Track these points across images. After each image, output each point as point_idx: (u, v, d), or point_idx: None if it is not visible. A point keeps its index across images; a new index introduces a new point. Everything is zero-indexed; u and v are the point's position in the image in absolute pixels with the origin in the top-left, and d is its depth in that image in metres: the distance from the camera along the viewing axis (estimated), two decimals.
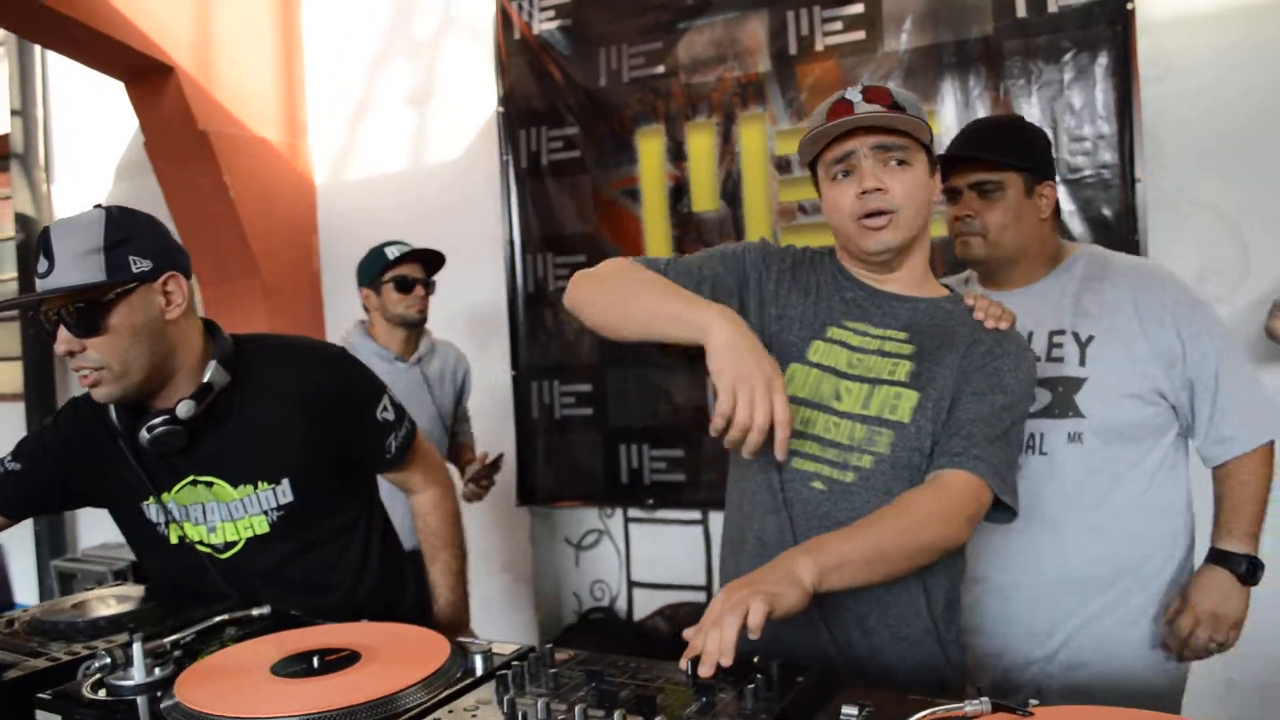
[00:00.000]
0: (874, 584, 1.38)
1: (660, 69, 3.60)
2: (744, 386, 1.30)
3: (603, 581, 4.00)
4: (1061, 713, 1.05)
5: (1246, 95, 2.87)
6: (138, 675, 1.25)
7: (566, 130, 3.79)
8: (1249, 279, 2.91)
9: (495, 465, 3.17)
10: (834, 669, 1.46)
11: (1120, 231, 2.98)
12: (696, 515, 3.74)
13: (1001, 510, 1.48)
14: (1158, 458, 1.80)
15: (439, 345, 3.19)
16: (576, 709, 1.06)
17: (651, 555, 3.89)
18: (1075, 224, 3.03)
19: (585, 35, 3.72)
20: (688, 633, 1.22)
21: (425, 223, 4.06)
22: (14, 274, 5.49)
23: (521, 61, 3.85)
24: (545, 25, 3.79)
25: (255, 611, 1.51)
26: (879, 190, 1.48)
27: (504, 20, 3.87)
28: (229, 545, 1.69)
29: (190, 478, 1.66)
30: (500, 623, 4.02)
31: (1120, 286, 1.81)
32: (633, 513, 3.88)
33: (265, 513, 1.68)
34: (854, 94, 1.50)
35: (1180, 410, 1.81)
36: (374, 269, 2.98)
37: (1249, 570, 1.79)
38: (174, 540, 1.69)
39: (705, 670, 1.15)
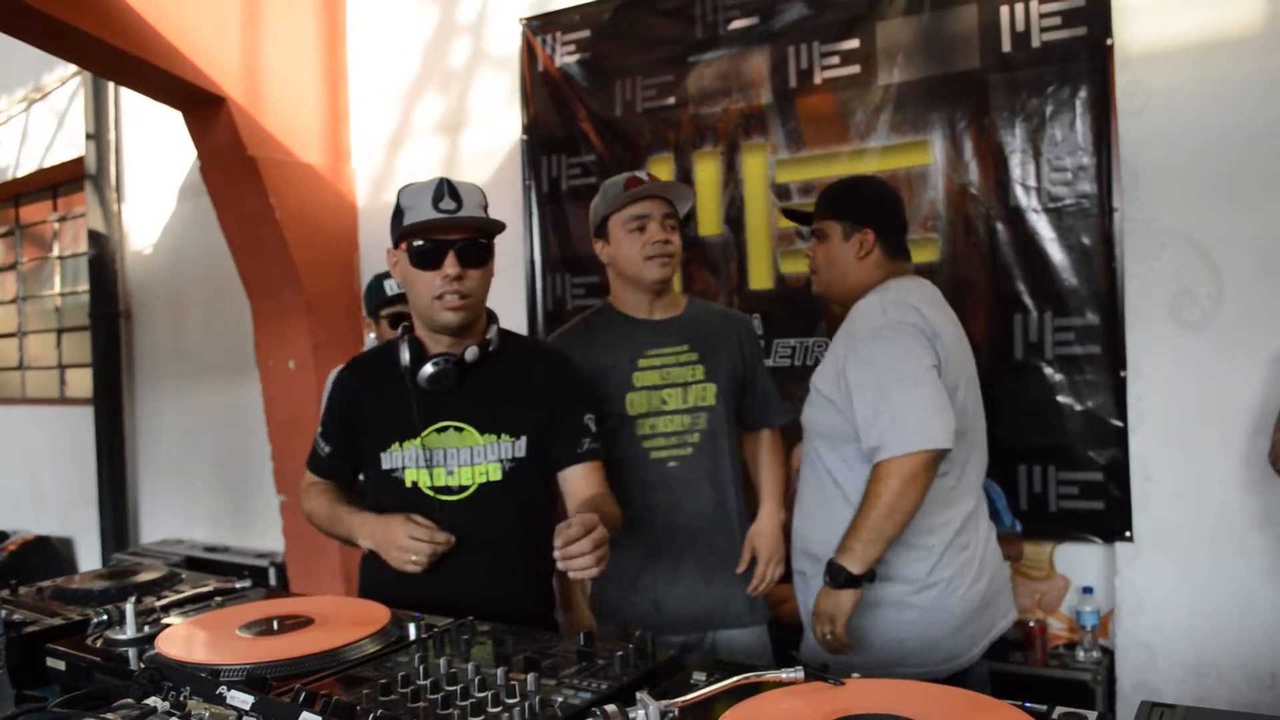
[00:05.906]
0: None
1: (671, 100, 3.81)
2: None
3: None
4: (872, 685, 1.22)
5: (1218, 128, 2.97)
6: (129, 631, 1.50)
7: (584, 158, 4.02)
8: (1223, 305, 3.00)
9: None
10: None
11: (1098, 259, 3.10)
12: None
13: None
14: (853, 451, 2.12)
15: None
16: (470, 664, 1.27)
17: None
18: (1055, 251, 3.15)
19: (603, 68, 3.96)
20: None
21: None
22: (87, 286, 5.89)
23: (544, 93, 4.10)
24: (566, 58, 4.04)
25: (239, 584, 1.75)
26: (665, 241, 2.25)
27: (529, 53, 4.13)
28: (463, 489, 1.92)
29: (443, 422, 1.93)
30: None
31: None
32: None
33: (501, 461, 1.93)
34: (643, 175, 2.30)
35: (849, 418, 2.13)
36: (372, 301, 3.03)
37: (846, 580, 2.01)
38: (408, 485, 1.93)
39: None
